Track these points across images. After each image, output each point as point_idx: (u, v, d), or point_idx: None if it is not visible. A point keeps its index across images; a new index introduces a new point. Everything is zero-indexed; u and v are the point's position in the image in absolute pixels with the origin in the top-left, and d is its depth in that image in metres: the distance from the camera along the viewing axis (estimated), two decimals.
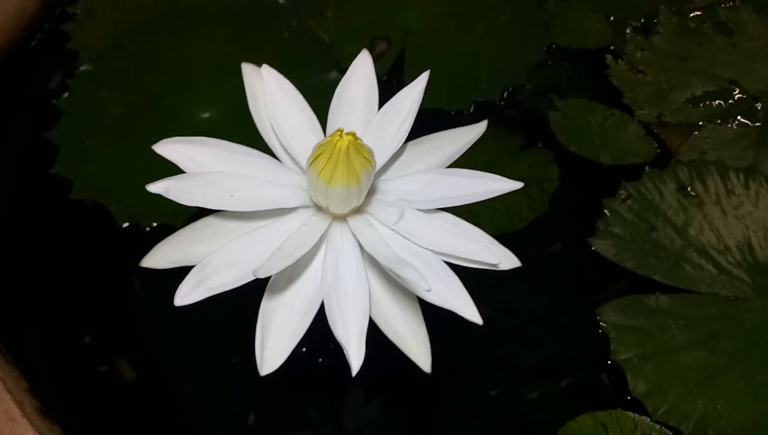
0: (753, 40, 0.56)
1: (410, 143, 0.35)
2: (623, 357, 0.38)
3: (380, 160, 0.32)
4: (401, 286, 0.29)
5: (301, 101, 0.34)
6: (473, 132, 0.35)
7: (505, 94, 0.52)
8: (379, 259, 0.28)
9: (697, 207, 0.45)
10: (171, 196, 0.29)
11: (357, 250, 0.30)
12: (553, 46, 0.56)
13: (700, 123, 0.50)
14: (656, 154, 0.49)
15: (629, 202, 0.45)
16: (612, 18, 0.57)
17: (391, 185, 0.33)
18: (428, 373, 0.30)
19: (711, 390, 0.38)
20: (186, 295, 0.27)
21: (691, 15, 0.58)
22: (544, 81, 0.54)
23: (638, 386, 0.37)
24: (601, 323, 0.40)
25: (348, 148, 0.28)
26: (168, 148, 0.31)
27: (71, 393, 0.38)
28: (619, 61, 0.55)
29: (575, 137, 0.49)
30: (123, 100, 0.50)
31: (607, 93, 0.53)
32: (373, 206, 0.32)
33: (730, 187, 0.45)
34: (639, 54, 0.55)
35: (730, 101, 0.52)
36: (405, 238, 0.30)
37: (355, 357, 0.27)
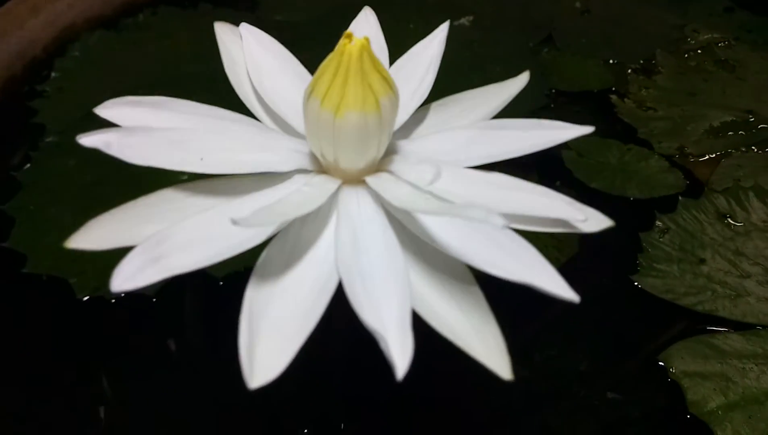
0: (758, 73, 0.54)
1: (434, 104, 0.29)
2: (706, 409, 0.31)
3: (399, 120, 0.26)
4: (449, 267, 0.22)
5: (289, 59, 0.29)
6: (514, 86, 0.29)
7: None
8: (420, 211, 0.21)
9: (745, 235, 0.40)
10: (114, 151, 0.22)
11: (382, 217, 0.22)
12: (553, 90, 0.53)
13: (723, 152, 0.47)
14: (686, 185, 0.44)
15: (668, 235, 0.40)
16: (611, 61, 0.55)
17: (418, 146, 0.26)
18: (509, 380, 0.21)
19: None
20: (132, 275, 0.19)
21: (686, 56, 0.56)
22: None
23: None
24: (670, 371, 0.33)
25: (362, 54, 0.21)
26: (115, 112, 0.24)
27: None
28: (625, 100, 0.52)
29: (595, 174, 0.45)
30: (92, 168, 0.45)
31: (618, 131, 0.50)
32: (398, 165, 0.24)
33: None
34: (644, 92, 0.52)
35: (753, 130, 0.48)
36: (446, 201, 0.22)
37: (399, 349, 0.18)
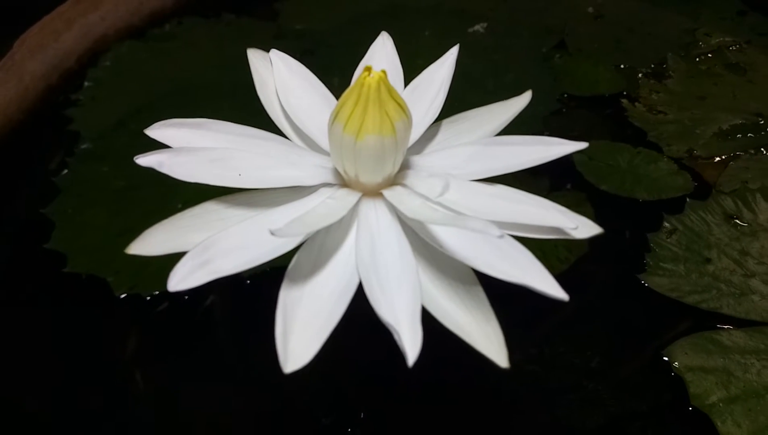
0: None
1: (445, 121, 0.32)
2: (707, 402, 0.33)
3: (413, 137, 0.29)
4: (455, 270, 0.25)
5: (315, 82, 0.31)
6: (517, 104, 0.31)
7: None
8: (429, 222, 0.24)
9: (751, 236, 0.41)
10: (165, 170, 0.25)
11: (397, 226, 0.26)
12: (565, 95, 0.55)
13: (732, 154, 0.48)
14: (694, 187, 0.46)
15: (675, 235, 0.41)
16: (622, 66, 0.57)
17: (428, 161, 0.29)
18: (506, 368, 0.24)
19: None
20: (184, 278, 0.23)
21: (696, 60, 0.57)
22: (562, 127, 0.52)
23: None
24: (673, 365, 0.35)
25: (379, 86, 0.24)
26: (162, 133, 0.28)
27: None
28: (636, 104, 0.53)
29: (605, 177, 0.46)
30: (124, 173, 0.48)
31: (629, 135, 0.51)
32: (411, 179, 0.28)
33: None
34: (655, 96, 0.54)
35: (762, 132, 0.49)
36: (454, 211, 0.26)
37: (410, 339, 0.21)
